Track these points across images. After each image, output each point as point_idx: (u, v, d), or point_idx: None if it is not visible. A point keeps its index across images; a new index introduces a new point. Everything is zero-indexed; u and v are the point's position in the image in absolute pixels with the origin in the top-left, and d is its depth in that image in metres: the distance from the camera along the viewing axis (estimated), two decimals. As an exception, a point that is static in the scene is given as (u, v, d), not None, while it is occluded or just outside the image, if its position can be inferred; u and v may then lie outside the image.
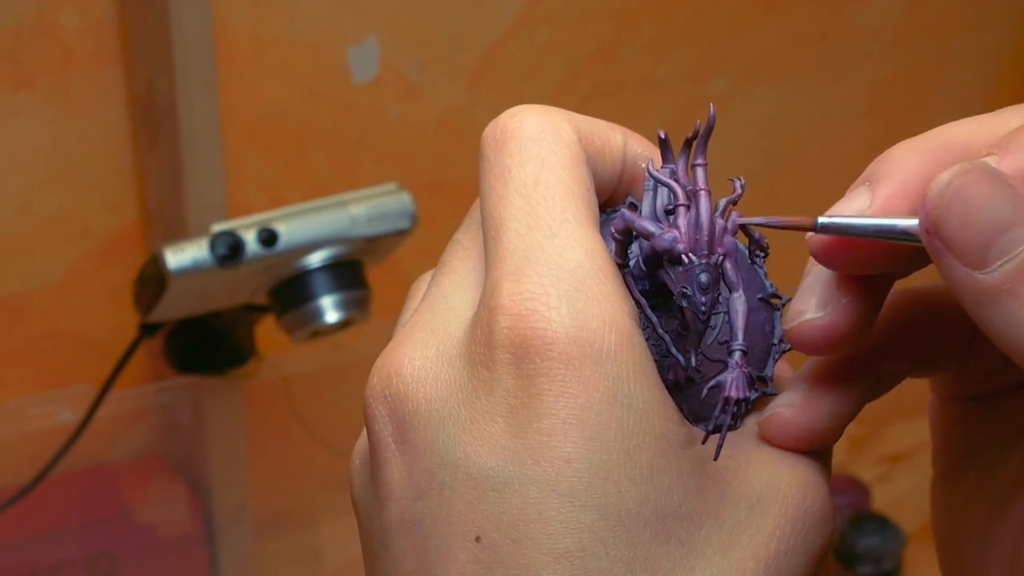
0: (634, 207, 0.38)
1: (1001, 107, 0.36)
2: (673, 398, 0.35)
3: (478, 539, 0.33)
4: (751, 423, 0.37)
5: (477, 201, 0.39)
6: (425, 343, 0.36)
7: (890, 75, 1.37)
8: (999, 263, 0.31)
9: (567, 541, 0.32)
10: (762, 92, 1.29)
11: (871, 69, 1.35)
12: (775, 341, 0.38)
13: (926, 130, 0.35)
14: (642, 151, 0.38)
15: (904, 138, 0.35)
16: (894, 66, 1.37)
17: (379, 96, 1.08)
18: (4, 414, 0.96)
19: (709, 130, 0.35)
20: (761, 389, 0.38)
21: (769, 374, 0.38)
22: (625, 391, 0.33)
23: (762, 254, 0.39)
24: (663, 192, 0.36)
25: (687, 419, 0.36)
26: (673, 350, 0.36)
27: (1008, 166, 0.32)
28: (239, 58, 1.00)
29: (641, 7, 1.19)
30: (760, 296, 0.38)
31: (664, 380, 0.35)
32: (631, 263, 0.37)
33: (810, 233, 0.34)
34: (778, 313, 0.38)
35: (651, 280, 0.37)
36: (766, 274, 0.39)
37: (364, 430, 0.38)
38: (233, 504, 1.05)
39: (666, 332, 0.36)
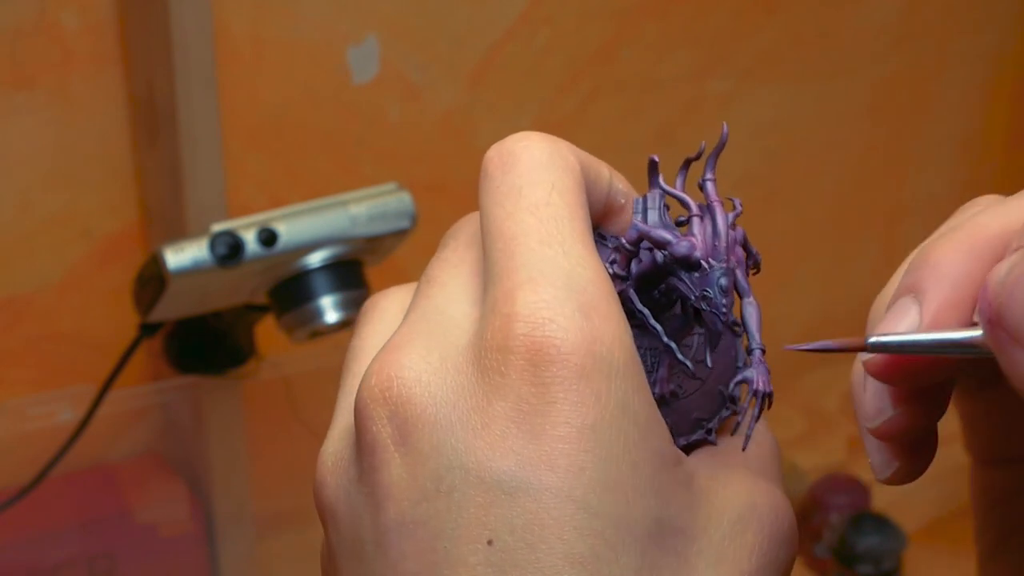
0: (603, 237, 0.40)
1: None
2: None
3: (490, 542, 0.33)
4: (723, 446, 0.39)
5: (461, 222, 0.40)
6: (426, 350, 0.36)
7: (890, 75, 1.37)
8: None
9: (581, 547, 0.33)
10: (762, 92, 1.29)
11: (871, 69, 1.35)
12: (739, 363, 0.41)
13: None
14: (623, 188, 0.40)
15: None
16: (894, 66, 1.37)
17: (379, 96, 1.08)
18: (4, 414, 0.96)
19: (722, 147, 0.38)
20: (731, 408, 0.40)
21: (737, 394, 0.40)
22: (631, 407, 0.34)
23: (755, 270, 0.40)
24: (652, 214, 0.39)
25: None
26: (680, 356, 0.37)
27: None
28: (239, 58, 1.00)
29: (641, 7, 1.19)
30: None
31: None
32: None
33: (866, 354, 0.34)
34: (739, 340, 0.41)
35: (646, 296, 0.38)
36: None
37: (332, 433, 0.39)
38: (233, 504, 1.05)
39: (671, 341, 0.38)
